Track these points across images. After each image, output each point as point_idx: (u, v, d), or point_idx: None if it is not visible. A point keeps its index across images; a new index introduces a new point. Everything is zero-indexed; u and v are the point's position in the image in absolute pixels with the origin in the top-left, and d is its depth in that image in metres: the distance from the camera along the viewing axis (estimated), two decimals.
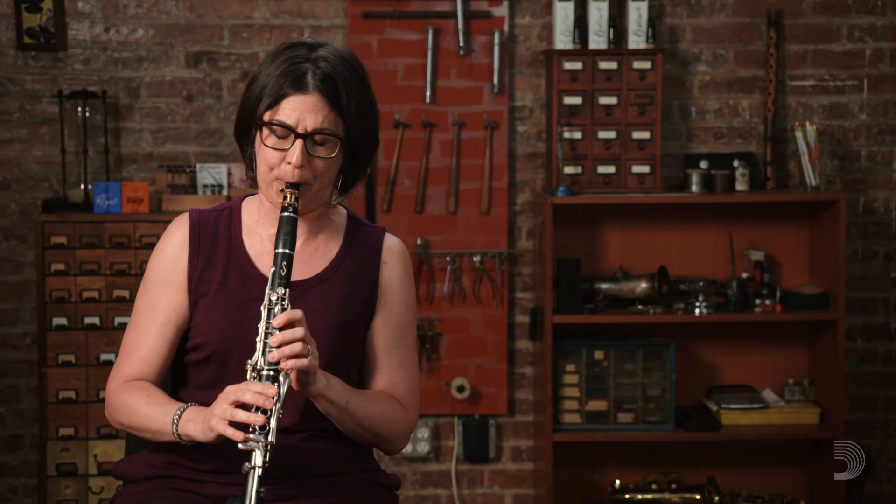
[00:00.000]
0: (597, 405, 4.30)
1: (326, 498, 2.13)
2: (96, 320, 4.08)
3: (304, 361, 1.99)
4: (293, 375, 2.02)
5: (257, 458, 1.96)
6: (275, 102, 2.12)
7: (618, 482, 4.44)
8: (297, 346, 1.99)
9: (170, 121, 4.42)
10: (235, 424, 1.98)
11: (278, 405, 1.98)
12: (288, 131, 2.11)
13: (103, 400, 4.02)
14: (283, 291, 2.03)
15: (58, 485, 4.09)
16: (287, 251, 2.05)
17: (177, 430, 2.08)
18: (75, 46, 4.38)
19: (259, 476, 1.95)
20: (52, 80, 4.37)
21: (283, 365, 1.99)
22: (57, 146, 4.33)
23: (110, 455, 4.07)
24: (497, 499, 4.56)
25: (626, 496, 4.42)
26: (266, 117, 2.12)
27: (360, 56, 4.49)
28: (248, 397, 1.97)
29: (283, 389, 2.00)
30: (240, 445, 1.96)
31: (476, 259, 4.44)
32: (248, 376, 2.01)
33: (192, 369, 2.22)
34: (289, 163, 2.11)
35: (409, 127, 4.42)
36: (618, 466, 4.50)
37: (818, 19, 4.48)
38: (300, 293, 2.16)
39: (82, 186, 4.27)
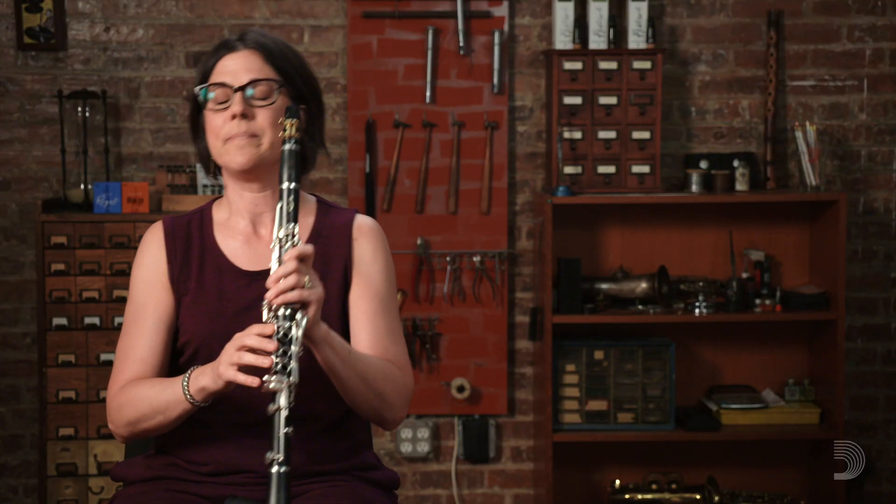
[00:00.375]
0: (597, 405, 4.30)
1: (326, 500, 2.13)
2: (96, 320, 4.08)
3: (291, 294, 1.97)
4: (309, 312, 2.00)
5: (281, 399, 1.94)
6: (209, 70, 2.20)
7: (618, 482, 4.44)
8: (291, 280, 1.97)
9: (170, 121, 4.42)
10: (249, 370, 1.98)
11: (296, 347, 1.97)
12: (226, 90, 2.17)
13: (103, 400, 4.06)
14: (292, 227, 2.02)
15: (58, 485, 4.09)
16: (292, 185, 2.03)
17: (188, 389, 2.07)
18: (75, 46, 4.38)
19: (285, 416, 1.94)
20: (52, 80, 4.37)
21: (269, 298, 1.98)
22: (57, 146, 4.33)
23: (110, 455, 4.07)
24: (497, 499, 4.56)
25: (626, 496, 4.42)
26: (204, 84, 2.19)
27: (360, 56, 4.53)
28: (251, 342, 1.97)
29: (301, 329, 1.97)
30: (264, 389, 1.96)
31: (476, 259, 4.44)
32: (263, 317, 2.00)
33: (181, 369, 2.21)
34: (232, 116, 2.15)
35: (409, 127, 4.42)
36: (618, 466, 4.50)
37: (818, 19, 4.48)
38: None
39: (82, 186, 4.27)
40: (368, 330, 2.21)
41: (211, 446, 2.17)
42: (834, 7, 4.48)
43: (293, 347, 1.96)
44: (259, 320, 2.04)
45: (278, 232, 2.02)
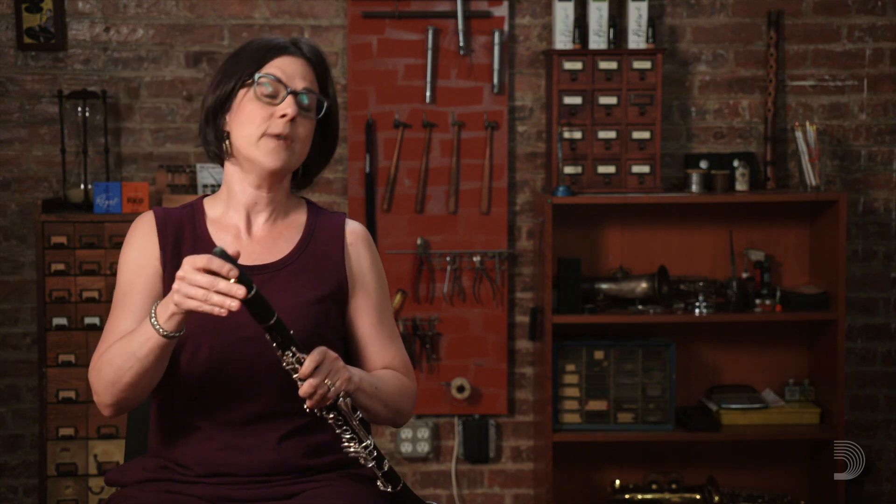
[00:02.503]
0: (597, 405, 4.30)
1: (321, 500, 2.15)
2: (96, 320, 4.08)
3: (328, 397, 2.07)
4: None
5: (369, 463, 2.13)
6: (264, 62, 2.20)
7: (618, 482, 4.44)
8: (319, 395, 2.05)
9: (170, 121, 4.42)
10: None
11: (352, 417, 2.10)
12: (278, 86, 2.19)
13: None
14: (292, 351, 2.04)
15: (58, 485, 4.09)
16: (271, 321, 2.01)
17: (157, 320, 2.04)
18: (75, 46, 4.38)
19: (377, 466, 2.14)
20: (52, 80, 4.37)
21: (309, 408, 2.08)
22: (57, 146, 4.33)
23: (110, 455, 4.07)
24: (497, 499, 4.56)
25: (626, 496, 4.42)
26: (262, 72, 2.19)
27: (360, 56, 4.54)
28: (191, 285, 1.97)
29: (347, 409, 2.10)
30: (345, 450, 2.12)
31: (476, 259, 4.44)
32: (316, 414, 2.11)
33: (168, 368, 2.19)
34: (282, 115, 2.17)
35: (409, 127, 4.42)
36: (618, 466, 4.50)
37: (818, 19, 4.48)
38: (269, 275, 2.21)
39: (82, 186, 4.27)
40: (373, 342, 2.31)
41: (200, 448, 2.19)
42: (834, 7, 4.48)
43: (350, 421, 2.10)
44: (247, 314, 2.10)
45: (284, 359, 2.05)
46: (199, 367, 2.17)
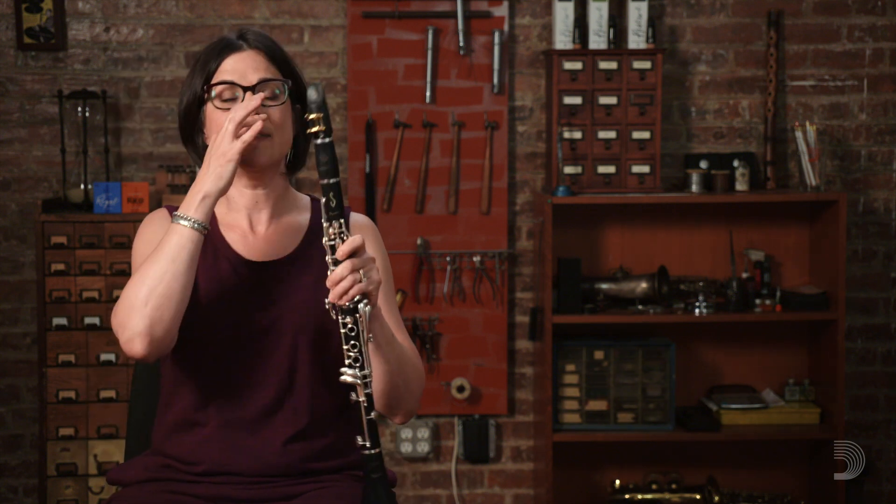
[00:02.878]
0: (597, 405, 4.30)
1: (322, 500, 2.14)
2: (96, 320, 4.08)
3: (352, 292, 2.01)
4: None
5: (361, 395, 2.03)
6: (214, 69, 2.20)
7: (618, 482, 4.44)
8: (347, 282, 2.01)
9: (170, 121, 4.42)
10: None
11: (364, 338, 2.03)
12: (234, 89, 2.18)
13: (103, 400, 4.07)
14: (340, 223, 2.02)
15: (58, 485, 4.09)
16: (332, 180, 2.01)
17: (187, 214, 2.07)
18: (75, 46, 4.38)
19: (366, 406, 2.03)
20: (52, 80, 4.38)
21: (332, 300, 2.02)
22: (57, 146, 4.33)
23: (110, 455, 4.07)
24: (497, 499, 4.56)
25: (626, 496, 4.42)
26: (211, 83, 2.19)
27: (360, 56, 4.53)
28: (239, 115, 2.08)
29: (366, 319, 2.03)
30: (342, 378, 2.02)
31: (476, 259, 4.44)
32: (331, 314, 2.04)
33: (176, 361, 2.20)
34: None
35: (409, 127, 4.42)
36: (618, 466, 4.50)
37: (818, 19, 4.48)
38: (277, 272, 2.20)
39: (82, 186, 4.27)
40: None
41: (204, 446, 2.18)
42: (834, 7, 4.48)
43: (361, 340, 2.03)
44: (255, 310, 2.15)
45: (328, 230, 2.02)
46: (210, 360, 2.17)
